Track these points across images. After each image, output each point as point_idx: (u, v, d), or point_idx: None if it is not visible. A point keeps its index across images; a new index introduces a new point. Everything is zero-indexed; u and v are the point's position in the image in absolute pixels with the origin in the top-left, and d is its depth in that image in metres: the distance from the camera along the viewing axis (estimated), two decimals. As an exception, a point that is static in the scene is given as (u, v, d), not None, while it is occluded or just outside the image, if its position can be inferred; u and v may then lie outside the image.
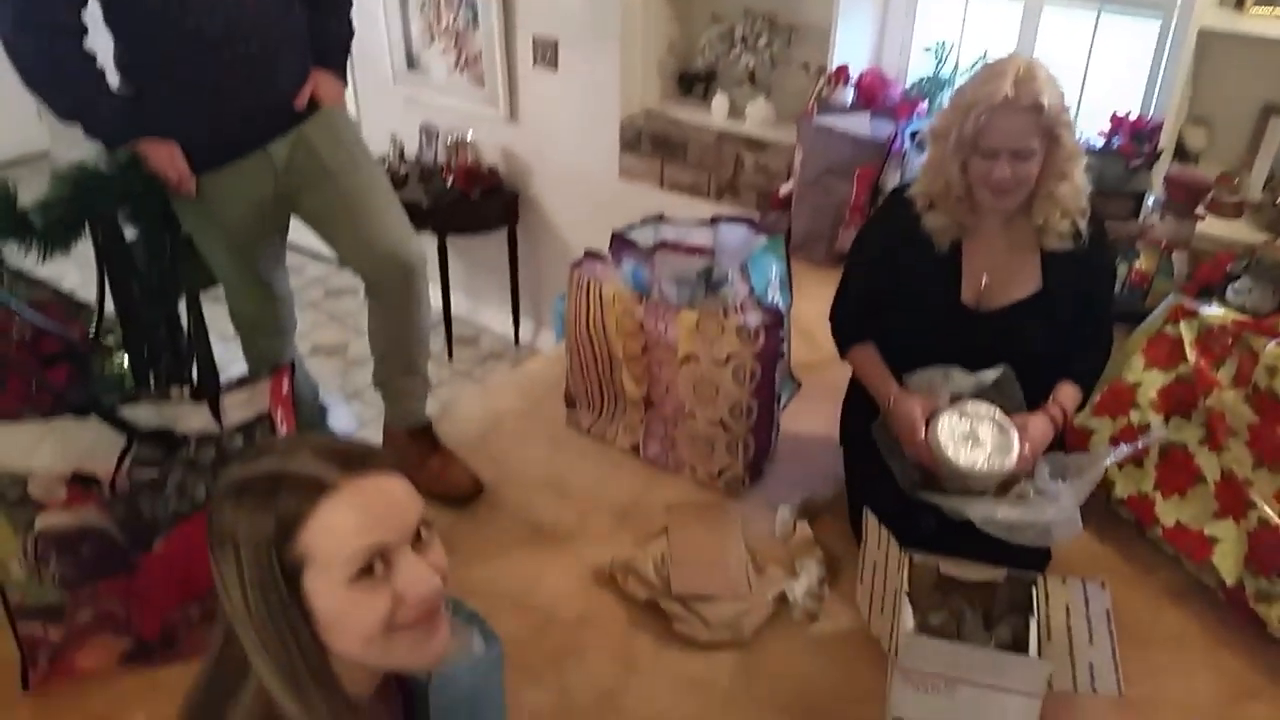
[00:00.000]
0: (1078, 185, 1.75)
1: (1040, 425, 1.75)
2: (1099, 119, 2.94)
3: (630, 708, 1.62)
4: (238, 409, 1.74)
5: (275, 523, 0.87)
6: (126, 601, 1.59)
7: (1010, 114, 1.65)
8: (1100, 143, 2.95)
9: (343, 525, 0.88)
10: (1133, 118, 2.87)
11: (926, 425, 1.74)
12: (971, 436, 1.72)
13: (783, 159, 3.35)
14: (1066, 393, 1.80)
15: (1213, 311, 1.99)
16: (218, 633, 0.95)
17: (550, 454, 2.26)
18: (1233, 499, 1.80)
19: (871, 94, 3.17)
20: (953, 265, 1.83)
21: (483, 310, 4.42)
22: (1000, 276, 1.83)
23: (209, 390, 1.72)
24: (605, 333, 2.19)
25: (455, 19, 3.89)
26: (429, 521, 0.96)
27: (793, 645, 1.75)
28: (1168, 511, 1.89)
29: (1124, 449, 1.77)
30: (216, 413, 1.72)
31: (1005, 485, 1.77)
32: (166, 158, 1.97)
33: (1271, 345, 1.83)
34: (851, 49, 3.28)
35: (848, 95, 3.23)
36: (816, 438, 2.27)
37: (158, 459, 1.61)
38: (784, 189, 3.30)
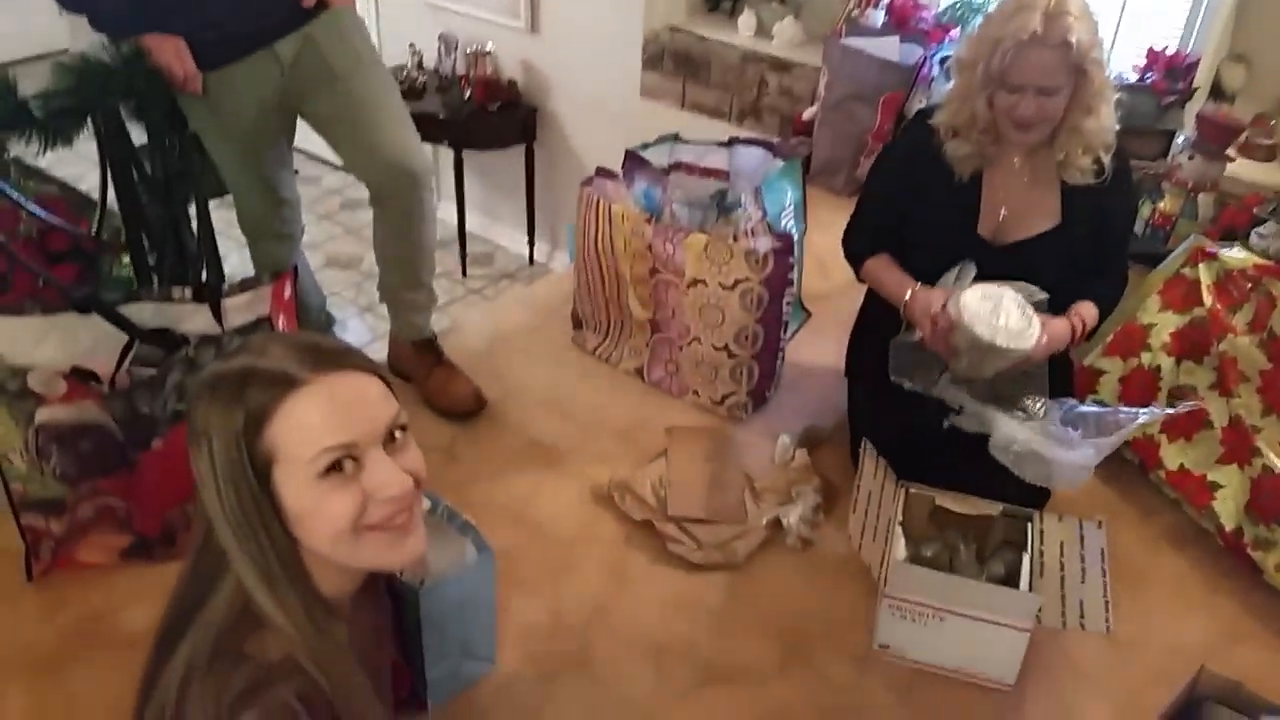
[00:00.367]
0: (1104, 122, 1.69)
1: (1059, 327, 1.71)
2: (1135, 53, 2.84)
3: (619, 623, 1.64)
4: (239, 311, 1.73)
5: (244, 416, 0.88)
6: (127, 498, 1.61)
7: (1038, 50, 1.60)
8: (1134, 78, 2.85)
9: (309, 421, 0.88)
10: (1170, 52, 2.77)
11: (945, 306, 1.69)
12: (994, 314, 1.65)
13: (808, 82, 3.26)
14: (1087, 308, 1.76)
15: (1234, 255, 1.94)
16: (197, 529, 0.96)
17: (555, 373, 2.26)
18: (1239, 445, 1.78)
19: (903, 17, 3.07)
20: (971, 196, 1.79)
21: (498, 228, 4.38)
22: (1019, 210, 1.79)
23: (211, 292, 1.72)
24: (613, 253, 2.16)
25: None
26: (405, 424, 0.96)
27: (784, 570, 1.76)
28: (1172, 455, 1.87)
29: (1156, 412, 1.72)
30: (218, 314, 1.72)
31: (1019, 408, 1.73)
32: (172, 52, 1.93)
33: (1286, 290, 1.79)
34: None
35: (879, 17, 3.13)
36: (823, 368, 2.25)
37: (158, 358, 1.61)
38: (807, 113, 3.22)
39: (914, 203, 1.82)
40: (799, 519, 1.80)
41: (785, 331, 2.16)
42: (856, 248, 1.94)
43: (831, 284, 2.53)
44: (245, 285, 1.75)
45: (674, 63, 3.54)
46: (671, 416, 2.12)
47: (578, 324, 2.37)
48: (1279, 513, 1.69)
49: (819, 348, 2.33)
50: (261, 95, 2.03)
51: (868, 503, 1.78)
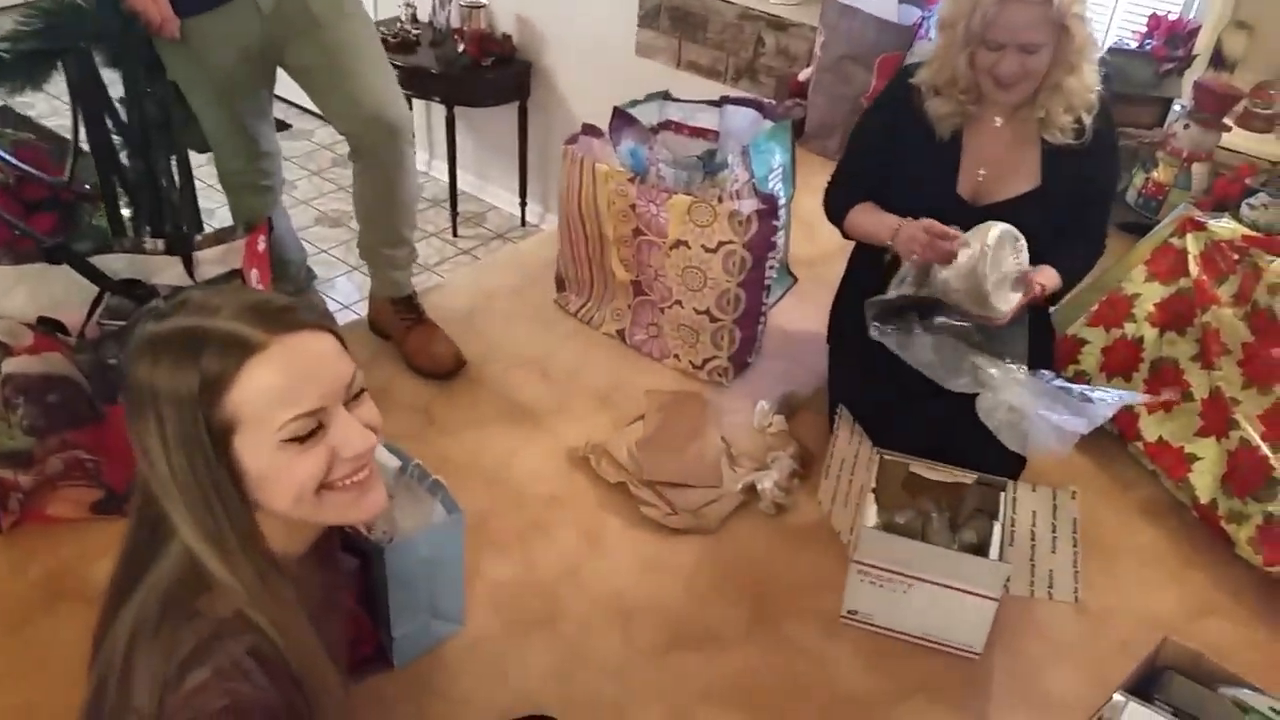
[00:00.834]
0: (1086, 80, 1.66)
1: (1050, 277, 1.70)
2: (1139, 18, 2.79)
3: (591, 584, 1.64)
4: (211, 264, 1.72)
5: (200, 382, 0.84)
6: (96, 452, 1.60)
7: (1019, 6, 1.58)
8: (1134, 44, 2.80)
9: (273, 387, 0.86)
10: (1172, 18, 2.72)
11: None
12: (1000, 258, 1.64)
13: (806, 42, 3.21)
14: (1049, 274, 1.73)
15: (1223, 225, 1.92)
16: (135, 495, 0.94)
17: (536, 334, 2.24)
18: (1217, 417, 1.77)
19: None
20: (951, 156, 1.77)
21: (491, 187, 4.34)
22: (999, 170, 1.76)
23: (183, 244, 1.70)
24: (596, 213, 2.13)
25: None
26: (360, 379, 0.94)
27: (757, 535, 1.75)
28: (1151, 427, 1.86)
29: (1134, 396, 1.70)
30: (189, 267, 1.70)
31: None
32: None
33: (1278, 263, 1.76)
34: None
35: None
36: (806, 334, 2.24)
37: (128, 310, 1.60)
38: (803, 74, 3.17)
39: (894, 161, 1.80)
40: (774, 485, 1.80)
41: (769, 296, 2.15)
42: (838, 203, 1.91)
43: (819, 249, 2.51)
44: (219, 237, 1.73)
45: (670, 20, 3.48)
46: (651, 380, 2.11)
47: (561, 286, 2.35)
48: (1254, 486, 1.68)
49: (804, 313, 2.31)
50: (241, 43, 1.99)
51: (841, 469, 1.77)
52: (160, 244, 1.70)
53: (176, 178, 2.28)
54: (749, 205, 2.00)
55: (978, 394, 1.62)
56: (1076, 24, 1.62)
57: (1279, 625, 1.65)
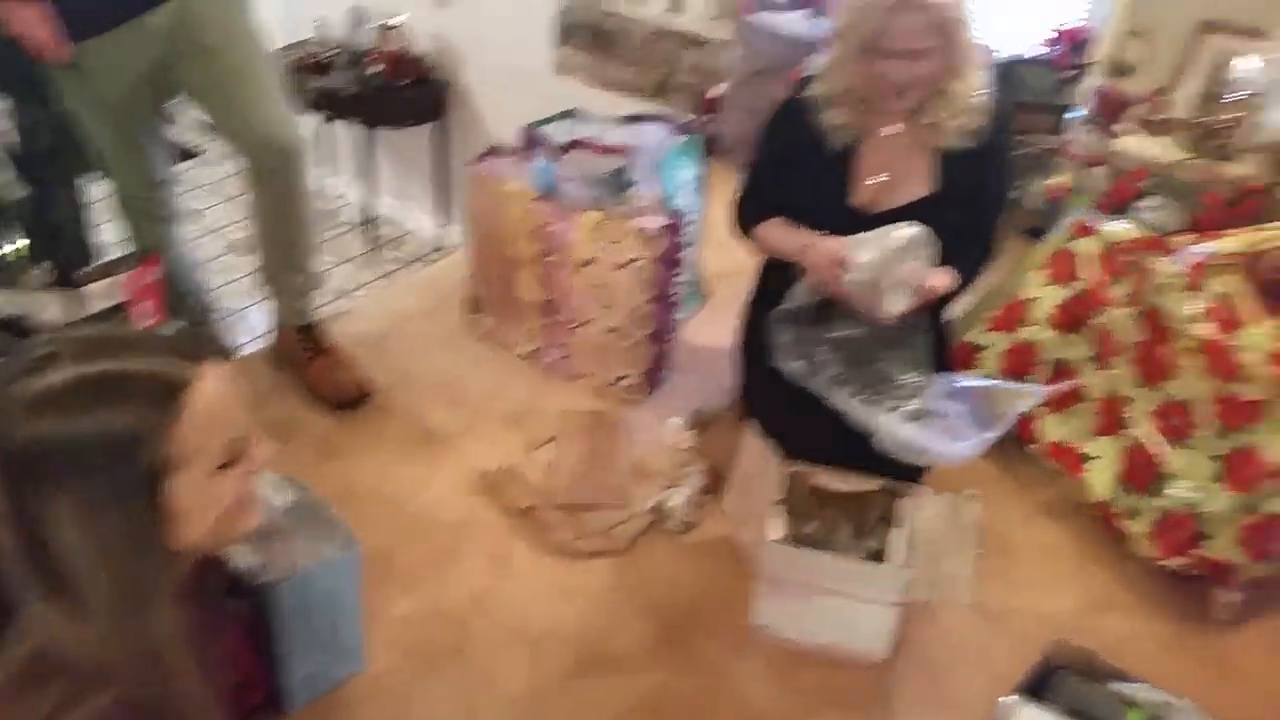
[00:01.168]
0: (972, 85, 1.69)
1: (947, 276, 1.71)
2: (1048, 28, 2.87)
3: (498, 612, 1.62)
4: (100, 297, 1.67)
5: (137, 427, 0.80)
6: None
7: (906, 13, 1.60)
8: (1040, 52, 2.88)
9: (213, 415, 0.84)
10: (1072, 27, 2.80)
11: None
12: (897, 258, 1.66)
13: (721, 58, 3.23)
14: (940, 274, 1.75)
15: (1116, 228, 1.96)
16: None
17: (447, 358, 2.22)
18: (1113, 417, 1.81)
19: (813, -9, 3.05)
20: (846, 165, 1.79)
21: (410, 209, 4.30)
22: (894, 177, 1.79)
23: (68, 277, 1.65)
24: (505, 234, 2.12)
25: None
26: None
27: (668, 554, 1.75)
28: (1050, 428, 1.89)
29: (1038, 389, 1.73)
30: (75, 301, 1.65)
31: (900, 394, 1.74)
32: (34, 19, 1.83)
33: (1164, 262, 1.81)
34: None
35: (792, -9, 3.11)
36: (720, 349, 2.24)
37: (8, 346, 1.54)
38: (718, 90, 3.20)
39: (791, 172, 1.82)
40: (684, 502, 1.79)
41: (680, 311, 2.15)
42: (744, 217, 1.92)
43: (733, 262, 2.51)
44: (106, 270, 1.69)
45: (587, 38, 3.49)
46: (564, 400, 2.10)
47: (472, 307, 2.33)
48: (1148, 482, 1.72)
49: (718, 327, 2.31)
50: (136, 67, 1.95)
51: (748, 483, 1.77)
52: (47, 277, 1.65)
53: (70, 208, 2.21)
54: (656, 221, 2.01)
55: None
56: (960, 30, 1.65)
57: (1177, 617, 1.69)
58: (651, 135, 2.37)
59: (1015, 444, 1.96)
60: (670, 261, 2.00)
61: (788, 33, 2.93)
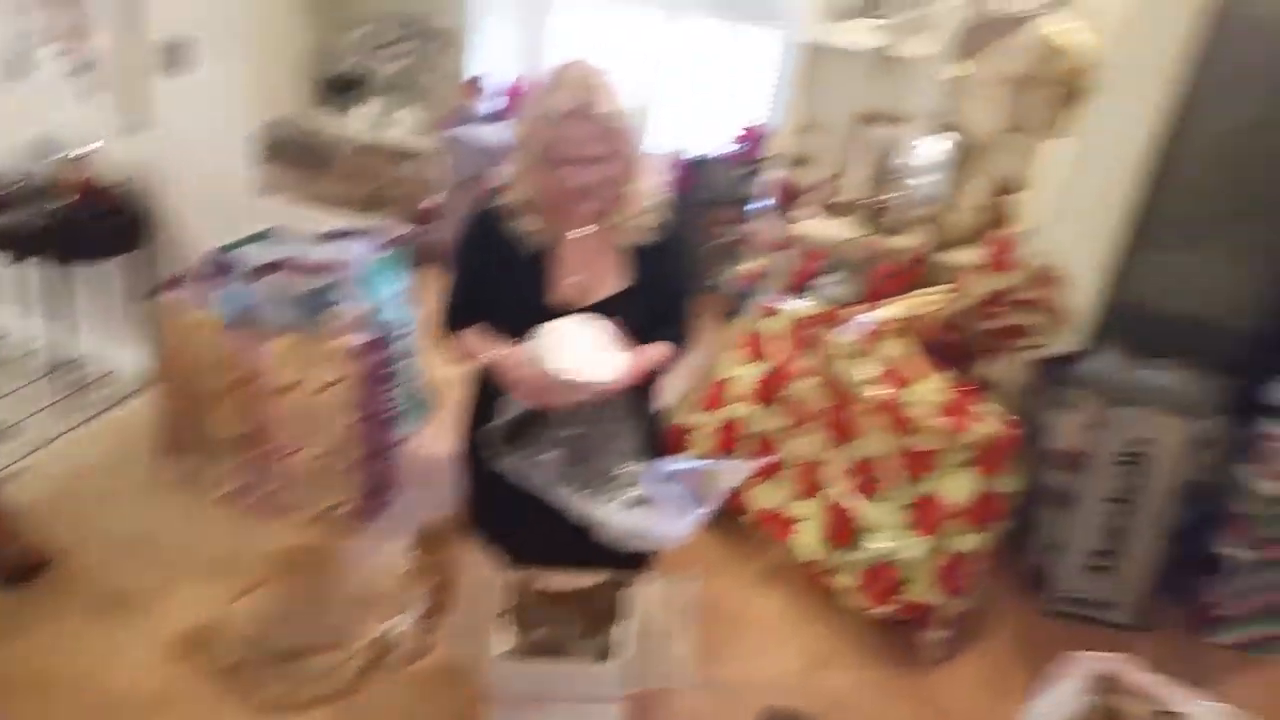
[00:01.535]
0: (650, 183, 1.79)
1: (632, 359, 1.76)
2: (739, 127, 3.13)
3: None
4: None
5: None
6: None
7: (576, 123, 1.67)
8: (727, 150, 3.12)
9: None
10: (751, 126, 3.06)
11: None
12: (569, 348, 1.66)
13: (434, 170, 3.26)
14: (653, 348, 1.81)
15: (798, 306, 2.12)
16: None
17: (138, 510, 2.03)
18: (812, 479, 1.93)
19: (516, 101, 3.17)
20: (542, 268, 1.82)
21: (109, 348, 3.95)
22: (590, 276, 1.84)
23: None
24: (196, 366, 1.99)
25: (73, 19, 3.45)
26: None
27: (396, 688, 1.66)
28: (758, 497, 1.99)
29: (744, 464, 1.81)
30: None
31: (618, 485, 1.77)
32: None
33: (838, 333, 1.98)
34: (499, 55, 3.27)
35: (493, 103, 3.21)
36: (447, 459, 2.19)
37: None
38: (431, 200, 3.22)
39: (489, 280, 1.83)
40: (410, 629, 1.71)
41: (399, 427, 2.09)
42: (447, 327, 1.91)
43: (461, 369, 2.49)
44: None
45: (294, 155, 3.41)
46: (273, 540, 1.96)
47: (167, 451, 2.14)
48: (849, 537, 1.83)
49: (449, 438, 2.26)
50: None
51: (474, 598, 1.72)
52: None
53: None
54: (358, 338, 1.96)
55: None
56: (633, 135, 1.74)
57: (891, 663, 1.79)
58: (355, 250, 2.33)
59: (731, 517, 2.03)
60: (378, 378, 1.95)
61: (488, 143, 3.02)
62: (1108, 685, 1.27)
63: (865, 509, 1.86)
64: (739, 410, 2.06)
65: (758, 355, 2.11)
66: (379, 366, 1.96)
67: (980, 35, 2.21)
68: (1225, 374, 2.09)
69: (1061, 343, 2.14)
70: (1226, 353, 2.29)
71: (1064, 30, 2.01)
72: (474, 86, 3.15)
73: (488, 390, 1.97)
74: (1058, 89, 2.02)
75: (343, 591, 1.80)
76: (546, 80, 1.74)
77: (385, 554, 1.91)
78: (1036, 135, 2.13)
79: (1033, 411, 2.10)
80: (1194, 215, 2.24)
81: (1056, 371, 2.09)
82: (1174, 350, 2.15)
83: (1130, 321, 2.31)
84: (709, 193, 3.07)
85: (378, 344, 1.96)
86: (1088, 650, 1.40)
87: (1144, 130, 2.10)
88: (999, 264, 2.01)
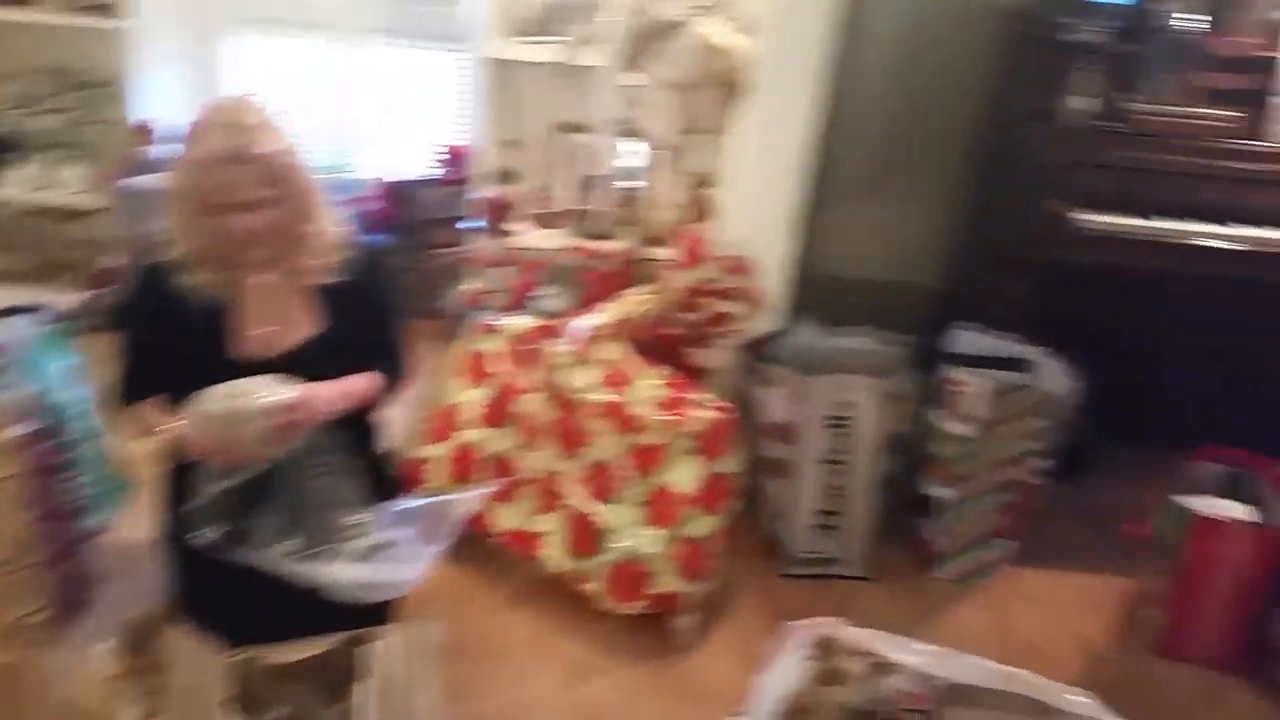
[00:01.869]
0: (324, 223, 1.71)
1: (326, 385, 1.66)
2: (441, 148, 3.07)
3: None
4: None
5: None
6: None
7: (233, 168, 1.57)
8: (433, 172, 3.07)
9: None
10: (460, 145, 3.03)
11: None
12: (228, 396, 1.56)
13: (110, 226, 2.96)
14: (359, 377, 1.74)
15: (514, 322, 2.11)
16: None
17: None
18: (550, 493, 1.93)
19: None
20: (221, 322, 1.70)
21: None
22: (277, 324, 1.73)
23: None
24: None
25: None
26: None
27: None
28: (501, 518, 1.97)
29: (475, 492, 1.77)
30: None
31: (347, 538, 1.68)
32: None
33: (555, 344, 1.98)
34: (169, 96, 3.03)
35: (168, 147, 2.97)
36: (149, 545, 1.99)
37: None
38: (110, 260, 2.93)
39: (163, 343, 1.68)
40: (124, 739, 1.53)
41: (89, 517, 1.87)
42: (123, 403, 1.73)
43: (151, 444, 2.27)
44: None
45: (-64, 230, 2.99)
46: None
47: None
48: (592, 542, 1.85)
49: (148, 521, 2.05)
50: None
51: (190, 693, 1.57)
52: None
53: None
54: (23, 427, 1.73)
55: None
56: (294, 174, 1.64)
57: (647, 657, 1.82)
58: (13, 329, 2.07)
59: (477, 544, 1.99)
60: (53, 468, 1.74)
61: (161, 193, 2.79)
62: (825, 648, 1.34)
63: (603, 512, 1.88)
64: (470, 435, 2.02)
65: (482, 377, 2.08)
66: (52, 455, 1.75)
67: (643, 43, 2.30)
68: (911, 331, 2.30)
69: (762, 324, 2.28)
70: (910, 310, 2.55)
71: (720, 32, 2.13)
72: (144, 132, 2.90)
73: (182, 465, 1.81)
74: (721, 89, 2.13)
75: (39, 715, 1.58)
76: (197, 123, 1.62)
77: (89, 661, 1.69)
78: (712, 134, 2.24)
79: (745, 392, 2.22)
80: (855, 187, 2.61)
81: (760, 351, 2.22)
82: (863, 315, 2.35)
83: (821, 294, 2.51)
84: (420, 216, 3.01)
85: (48, 431, 1.75)
86: (825, 608, 1.48)
87: (803, 119, 2.31)
88: (692, 258, 2.10)
